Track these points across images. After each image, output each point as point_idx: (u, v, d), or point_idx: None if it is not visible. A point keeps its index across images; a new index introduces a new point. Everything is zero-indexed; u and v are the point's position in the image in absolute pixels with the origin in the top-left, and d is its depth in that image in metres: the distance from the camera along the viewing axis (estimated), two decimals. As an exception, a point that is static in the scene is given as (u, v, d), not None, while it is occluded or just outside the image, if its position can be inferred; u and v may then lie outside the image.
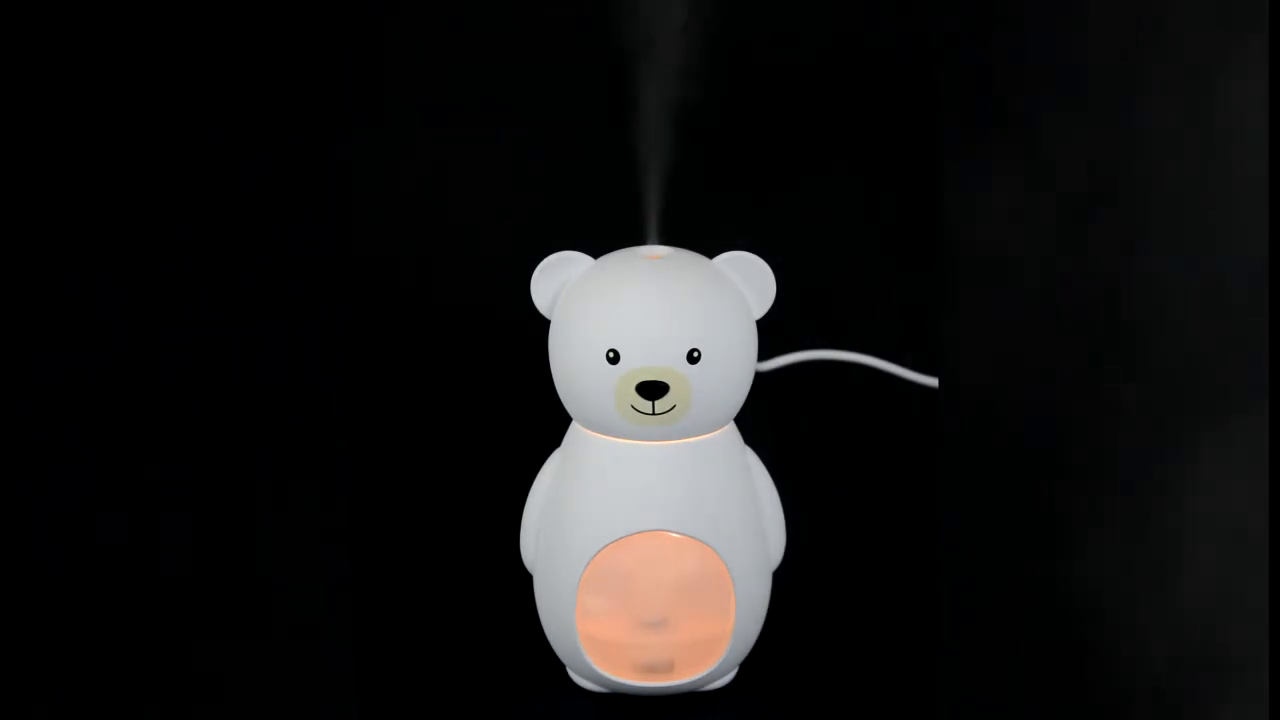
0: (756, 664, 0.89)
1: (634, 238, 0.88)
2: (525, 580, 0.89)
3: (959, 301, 0.78)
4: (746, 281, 0.84)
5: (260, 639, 0.81)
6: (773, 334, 0.99)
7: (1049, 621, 0.78)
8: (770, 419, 0.95)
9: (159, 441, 0.80)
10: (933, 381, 1.23)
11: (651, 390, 0.81)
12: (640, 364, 0.81)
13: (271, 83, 0.80)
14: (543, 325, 0.85)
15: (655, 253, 0.85)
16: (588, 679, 0.87)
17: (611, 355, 0.81)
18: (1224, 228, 0.73)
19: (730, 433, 0.85)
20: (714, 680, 0.87)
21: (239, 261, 0.81)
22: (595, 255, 0.85)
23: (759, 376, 0.86)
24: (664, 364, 0.81)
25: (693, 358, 0.81)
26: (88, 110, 0.79)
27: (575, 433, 0.85)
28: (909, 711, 0.86)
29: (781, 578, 0.88)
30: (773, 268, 0.84)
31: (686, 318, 0.81)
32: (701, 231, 0.90)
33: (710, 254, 0.85)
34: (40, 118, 0.79)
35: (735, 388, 0.83)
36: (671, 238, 0.89)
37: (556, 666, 0.89)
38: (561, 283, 0.84)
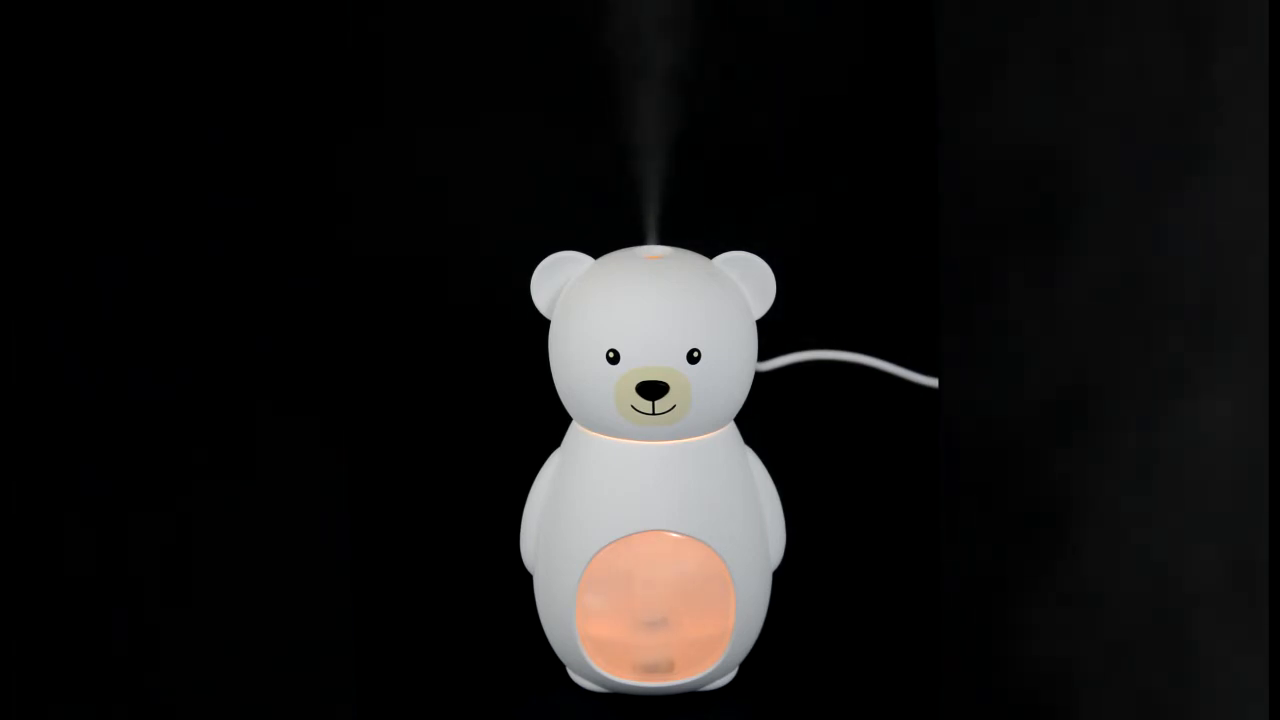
0: (756, 664, 0.89)
1: (634, 238, 0.88)
2: (525, 580, 0.89)
3: (958, 304, 0.78)
4: (746, 281, 0.84)
5: (261, 638, 0.81)
6: (773, 334, 0.99)
7: (1050, 621, 0.78)
8: (770, 419, 0.95)
9: (160, 442, 0.80)
10: (933, 381, 1.23)
11: (651, 390, 0.81)
12: (640, 364, 0.81)
13: (271, 81, 0.80)
14: (543, 325, 0.85)
15: (655, 253, 0.85)
16: (588, 679, 0.87)
17: (611, 355, 0.81)
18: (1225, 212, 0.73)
19: (730, 433, 0.85)
20: (714, 680, 0.87)
21: (238, 259, 0.81)
22: (595, 255, 0.85)
23: (759, 376, 0.86)
24: (664, 364, 0.81)
25: (693, 358, 0.81)
26: (88, 108, 0.79)
27: (575, 433, 0.85)
28: (909, 711, 0.86)
29: (781, 578, 0.88)
30: (773, 268, 0.84)
31: (686, 318, 0.81)
32: (701, 231, 0.90)
33: (710, 254, 0.85)
34: (40, 114, 0.79)
35: (735, 388, 0.83)
36: (671, 238, 0.89)
37: (556, 666, 0.89)
38: (561, 283, 0.84)
